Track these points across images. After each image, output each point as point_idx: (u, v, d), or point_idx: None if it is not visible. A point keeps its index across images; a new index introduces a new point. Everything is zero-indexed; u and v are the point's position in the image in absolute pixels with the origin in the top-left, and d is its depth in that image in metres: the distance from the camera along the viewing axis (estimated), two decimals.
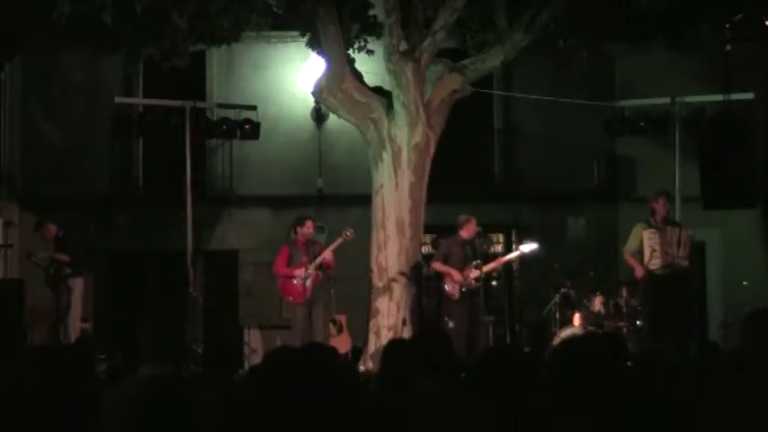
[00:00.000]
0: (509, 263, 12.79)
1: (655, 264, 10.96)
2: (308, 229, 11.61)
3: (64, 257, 12.03)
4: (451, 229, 11.79)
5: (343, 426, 3.60)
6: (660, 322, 10.96)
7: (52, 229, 12.19)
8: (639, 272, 11.05)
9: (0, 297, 11.73)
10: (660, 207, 11.13)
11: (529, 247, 11.67)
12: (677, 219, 12.04)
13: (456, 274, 11.30)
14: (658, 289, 10.97)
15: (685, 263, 10.96)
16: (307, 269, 11.37)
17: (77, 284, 12.07)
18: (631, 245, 11.28)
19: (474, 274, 11.29)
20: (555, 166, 15.22)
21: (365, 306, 12.04)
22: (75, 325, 12.01)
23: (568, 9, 11.87)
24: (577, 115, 14.65)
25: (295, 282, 11.40)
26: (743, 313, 5.07)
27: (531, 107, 14.97)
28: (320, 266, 11.48)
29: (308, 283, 11.40)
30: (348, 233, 11.54)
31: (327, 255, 11.45)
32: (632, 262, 11.20)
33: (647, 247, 11.02)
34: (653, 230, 10.99)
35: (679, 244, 10.88)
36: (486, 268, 11.50)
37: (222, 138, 14.71)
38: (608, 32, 12.69)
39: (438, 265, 11.55)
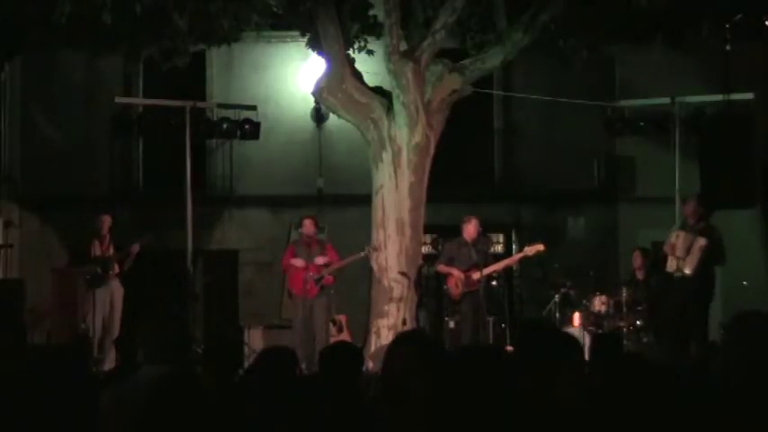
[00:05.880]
0: (512, 265, 12.77)
1: (671, 266, 10.92)
2: (305, 228, 11.76)
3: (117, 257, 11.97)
4: (451, 229, 11.77)
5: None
6: (662, 324, 10.97)
7: (108, 221, 12.03)
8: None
9: (0, 297, 11.72)
10: (686, 211, 11.08)
11: (534, 249, 11.57)
12: (677, 219, 11.99)
13: (457, 273, 11.34)
14: (667, 291, 10.96)
15: (687, 271, 10.78)
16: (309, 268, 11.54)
17: (117, 285, 12.01)
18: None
19: (476, 275, 11.29)
20: (555, 166, 15.21)
21: (365, 306, 12.04)
22: (116, 326, 11.74)
23: (568, 9, 11.88)
24: (577, 115, 14.65)
25: (303, 277, 11.54)
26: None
27: (531, 107, 14.97)
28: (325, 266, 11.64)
29: (316, 283, 11.54)
30: (370, 250, 11.66)
31: (333, 267, 11.62)
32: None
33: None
34: (677, 233, 10.92)
35: (688, 250, 10.75)
36: (488, 270, 11.49)
37: (222, 138, 14.73)
38: (608, 32, 12.69)
39: (441, 267, 11.59)
